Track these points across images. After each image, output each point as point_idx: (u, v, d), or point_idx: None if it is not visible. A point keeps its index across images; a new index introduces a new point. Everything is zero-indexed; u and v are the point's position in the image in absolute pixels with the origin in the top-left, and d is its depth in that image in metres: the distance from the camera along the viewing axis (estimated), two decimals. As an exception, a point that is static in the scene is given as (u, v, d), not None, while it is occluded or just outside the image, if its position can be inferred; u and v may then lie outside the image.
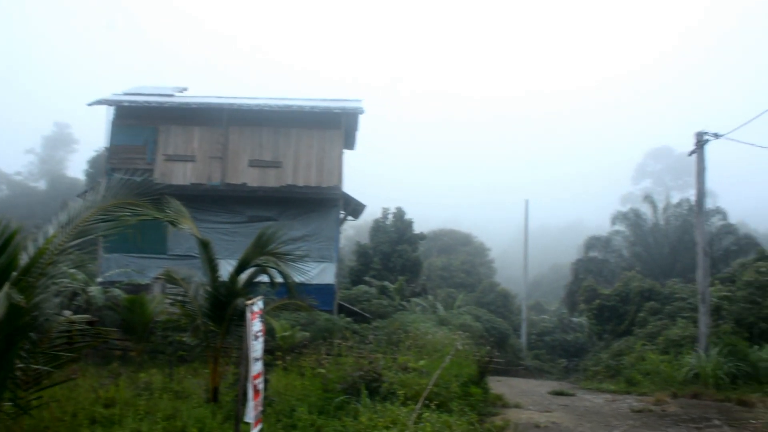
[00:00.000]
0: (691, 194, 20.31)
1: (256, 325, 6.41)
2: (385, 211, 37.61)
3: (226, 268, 10.39)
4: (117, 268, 20.26)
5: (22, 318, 5.85)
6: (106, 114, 23.08)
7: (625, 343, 25.16)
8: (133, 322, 15.21)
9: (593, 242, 40.49)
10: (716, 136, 18.63)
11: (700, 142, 18.89)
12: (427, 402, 9.65)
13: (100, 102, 22.80)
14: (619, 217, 41.18)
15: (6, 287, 5.37)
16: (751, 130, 18.03)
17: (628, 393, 16.47)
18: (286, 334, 15.64)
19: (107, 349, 15.54)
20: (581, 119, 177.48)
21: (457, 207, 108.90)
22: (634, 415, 12.06)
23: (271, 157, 22.92)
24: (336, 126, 23.23)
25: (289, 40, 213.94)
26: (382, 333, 19.41)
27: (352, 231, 65.39)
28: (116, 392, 9.72)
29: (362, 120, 24.62)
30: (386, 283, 30.73)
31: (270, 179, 22.76)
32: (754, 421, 10.39)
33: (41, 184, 68.99)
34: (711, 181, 20.36)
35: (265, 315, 7.70)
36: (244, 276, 10.48)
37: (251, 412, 6.20)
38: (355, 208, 25.71)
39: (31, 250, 6.28)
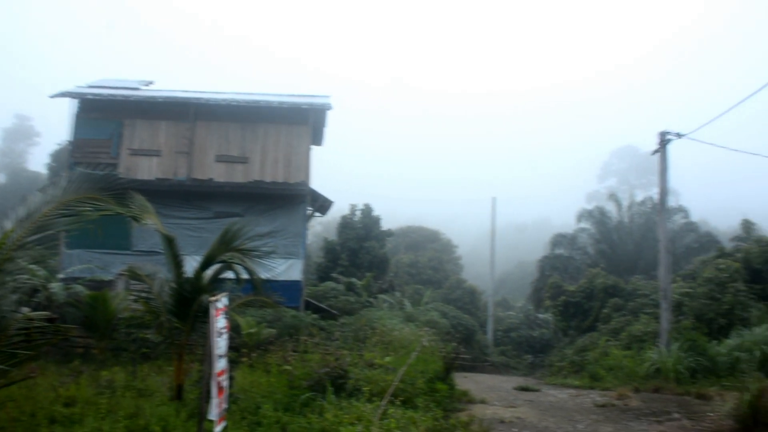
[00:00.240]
0: (655, 193, 20.70)
1: (220, 322, 6.36)
2: (353, 208, 37.55)
3: (192, 265, 10.28)
4: (79, 264, 19.91)
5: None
6: (69, 107, 22.68)
7: (589, 338, 25.50)
8: (96, 319, 14.95)
9: (559, 239, 40.90)
10: (678, 135, 18.98)
11: (663, 141, 19.23)
12: (392, 398, 9.67)
13: (63, 94, 22.34)
14: (584, 215, 41.64)
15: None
16: (713, 131, 18.43)
17: (592, 388, 16.69)
18: (252, 330, 15.52)
19: (69, 346, 15.26)
20: (549, 118, 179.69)
21: (426, 202, 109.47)
22: (597, 409, 12.23)
23: (238, 152, 22.72)
24: (304, 122, 23.11)
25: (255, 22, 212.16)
26: (348, 330, 19.40)
27: (320, 227, 65.19)
28: (77, 391, 9.55)
29: (331, 115, 24.55)
30: (353, 279, 30.68)
31: (237, 175, 22.56)
32: (711, 414, 10.62)
33: (0, 178, 67.43)
34: (674, 180, 20.76)
35: (230, 312, 7.63)
36: (209, 272, 10.37)
37: (215, 410, 6.15)
38: (322, 205, 25.64)
39: (-12, 245, 6.14)
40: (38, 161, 63.33)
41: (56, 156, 42.06)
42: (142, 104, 22.83)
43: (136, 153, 22.46)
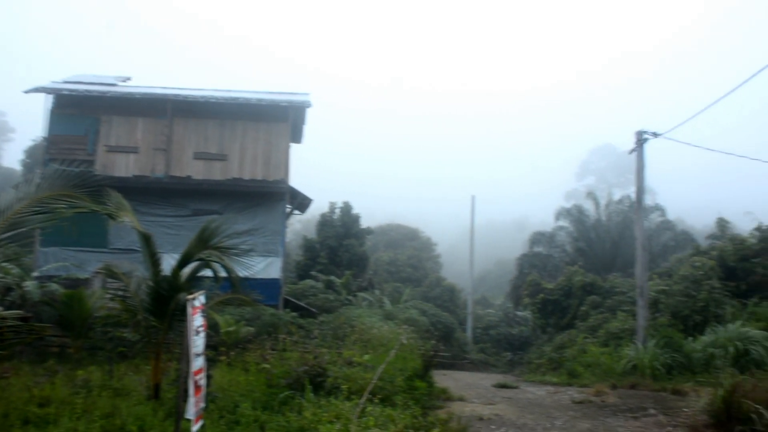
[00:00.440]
0: (632, 191, 20.90)
1: (197, 321, 6.31)
2: (332, 206, 37.47)
3: (169, 263, 10.19)
4: (55, 262, 19.67)
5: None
6: (44, 102, 22.35)
7: (567, 336, 25.70)
8: (72, 317, 14.78)
9: (538, 238, 41.14)
10: (655, 135, 19.21)
11: (640, 140, 19.44)
12: (371, 396, 9.67)
13: (37, 89, 22.03)
14: (562, 213, 41.88)
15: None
16: (689, 131, 18.68)
17: (570, 385, 16.83)
18: (231, 329, 15.45)
19: (44, 346, 15.07)
20: (530, 118, 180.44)
21: (406, 200, 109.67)
22: (575, 406, 12.34)
23: (216, 149, 22.57)
24: (283, 119, 23.00)
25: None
26: (327, 328, 19.37)
27: (299, 225, 65.02)
28: (52, 391, 9.42)
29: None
30: (333, 277, 30.65)
31: (215, 172, 22.42)
32: (686, 409, 10.75)
33: (-26, 174, 66.34)
34: (651, 179, 21.06)
35: (208, 310, 7.58)
36: (187, 270, 10.28)
37: (192, 409, 6.11)
38: (301, 202, 25.57)
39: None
40: (12, 157, 62.46)
41: (31, 152, 41.46)
42: (119, 100, 22.58)
43: (112, 150, 22.22)
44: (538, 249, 40.61)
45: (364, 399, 9.41)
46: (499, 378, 19.71)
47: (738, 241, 24.28)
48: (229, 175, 22.39)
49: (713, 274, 21.73)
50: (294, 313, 21.44)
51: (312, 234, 38.75)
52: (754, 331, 16.09)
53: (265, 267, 21.47)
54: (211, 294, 10.74)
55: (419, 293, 38.30)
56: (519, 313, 37.82)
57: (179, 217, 22.03)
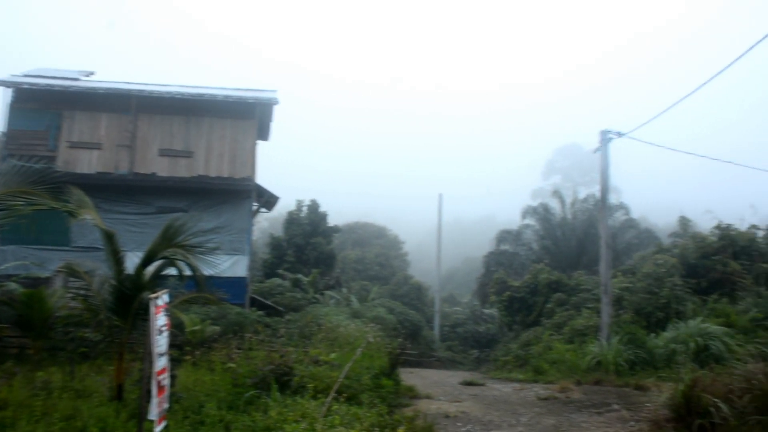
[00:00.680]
0: (597, 190, 21.20)
1: (160, 320, 6.21)
2: (300, 204, 37.31)
3: (133, 261, 10.01)
4: (14, 261, 19.18)
5: None
6: (3, 96, 21.82)
7: (533, 333, 25.95)
8: (31, 317, 14.41)
9: (504, 236, 41.47)
10: (619, 134, 19.51)
11: (605, 140, 19.72)
12: (337, 395, 9.64)
13: (-5, 83, 21.51)
14: (529, 212, 42.29)
15: None
16: (653, 130, 19.01)
17: (536, 381, 17.02)
18: (196, 328, 15.27)
19: (2, 347, 14.70)
20: (498, 118, 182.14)
21: (373, 197, 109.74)
22: (540, 402, 12.47)
23: (182, 146, 22.28)
24: (250, 116, 22.80)
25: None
26: (294, 326, 19.28)
27: (266, 223, 64.57)
28: (9, 393, 9.17)
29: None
30: (300, 276, 30.54)
31: (181, 169, 22.12)
32: (649, 404, 10.93)
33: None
34: (615, 178, 21.39)
35: (172, 309, 7.48)
36: (151, 269, 10.13)
37: (155, 410, 6.02)
38: (268, 200, 25.36)
39: None
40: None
41: (-10, 148, 40.46)
42: (81, 95, 22.12)
43: (75, 146, 21.78)
44: (505, 247, 40.94)
45: (330, 398, 9.39)
46: (466, 375, 19.83)
47: (699, 239, 24.83)
48: (194, 172, 22.12)
49: (675, 271, 22.17)
50: (260, 312, 21.29)
51: (279, 232, 38.53)
52: (713, 327, 16.46)
53: (231, 265, 21.27)
54: (176, 293, 10.60)
55: (387, 291, 38.34)
56: (486, 310, 38.05)
57: (144, 215, 21.69)
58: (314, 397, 9.43)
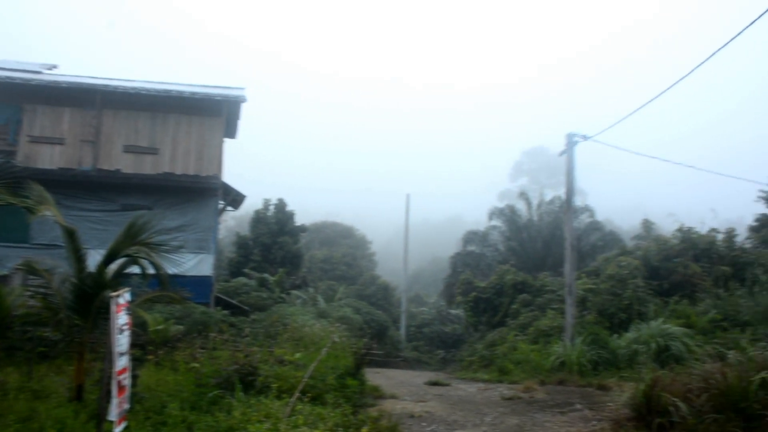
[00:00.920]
0: (563, 192, 21.45)
1: (121, 318, 6.11)
2: (267, 202, 37.08)
3: (96, 259, 9.84)
4: (-29, 258, 18.73)
5: None
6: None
7: (498, 333, 26.09)
8: (-12, 316, 14.08)
9: (471, 236, 41.66)
10: (585, 138, 19.74)
11: (570, 143, 19.95)
12: (302, 395, 9.60)
13: (-47, 75, 20.94)
14: (496, 213, 42.53)
15: None
16: (622, 133, 19.26)
17: (501, 381, 17.14)
18: (160, 327, 15.03)
19: (-44, 346, 14.31)
20: (467, 117, 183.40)
21: (341, 194, 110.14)
22: (505, 402, 12.57)
23: (147, 143, 21.94)
24: (217, 113, 22.57)
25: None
26: (260, 326, 19.14)
27: (233, 222, 64.02)
28: (-36, 394, 8.97)
29: (249, 107, 24.07)
30: (266, 275, 30.33)
31: (146, 166, 21.79)
32: (611, 404, 11.08)
33: None
34: (581, 181, 21.67)
35: (135, 308, 7.35)
36: (113, 267, 9.97)
37: (115, 410, 5.91)
38: (235, 198, 25.15)
39: None
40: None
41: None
42: (43, 89, 21.63)
43: (36, 140, 21.30)
44: (472, 248, 41.14)
45: (294, 398, 9.34)
46: (432, 376, 19.89)
47: (661, 242, 25.27)
48: (160, 169, 21.81)
49: (638, 273, 22.53)
50: (226, 312, 21.11)
51: (246, 231, 38.23)
52: (674, 328, 16.77)
53: (196, 264, 21.03)
54: (139, 291, 10.45)
55: (353, 291, 38.31)
56: (452, 311, 38.23)
57: (107, 212, 21.33)
58: (278, 397, 9.38)
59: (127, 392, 6.24)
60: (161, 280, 10.01)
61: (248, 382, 10.22)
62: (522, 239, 40.64)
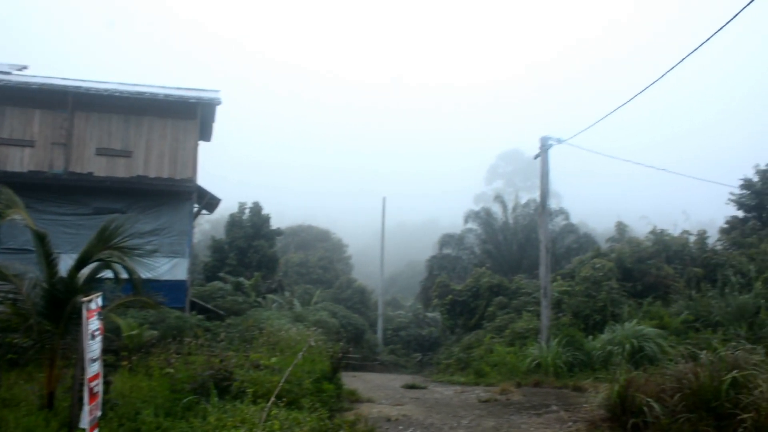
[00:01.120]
0: (539, 195, 21.61)
1: (93, 324, 6.01)
2: (242, 206, 36.87)
3: (69, 263, 9.67)
4: (-62, 263, 18.30)
5: None
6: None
7: (475, 336, 26.17)
8: (-45, 322, 13.79)
9: (447, 240, 41.80)
10: (559, 141, 19.90)
11: (545, 146, 20.10)
12: (278, 400, 9.53)
13: None
14: (471, 216, 42.77)
15: None
16: (599, 137, 19.48)
17: (477, 384, 17.19)
18: (133, 332, 14.85)
19: None
20: (442, 118, 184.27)
21: (319, 195, 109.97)
22: (481, 404, 12.61)
23: (120, 145, 21.66)
24: (192, 116, 22.35)
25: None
26: (235, 330, 19.01)
27: (208, 225, 63.60)
28: (-72, 403, 8.75)
29: (220, 110, 23.84)
30: (242, 279, 30.14)
31: (119, 169, 21.50)
32: (586, 405, 11.16)
33: None
34: (556, 184, 21.86)
35: (108, 313, 7.24)
36: (85, 271, 9.80)
37: (86, 418, 5.81)
38: (209, 202, 24.92)
39: None
40: None
41: None
42: (12, 90, 21.22)
43: (5, 143, 20.90)
44: (448, 251, 41.28)
45: (270, 403, 9.26)
46: (409, 379, 19.91)
47: (635, 244, 25.57)
48: (133, 172, 21.54)
49: (612, 275, 22.77)
50: (201, 316, 20.92)
51: (221, 235, 37.99)
52: (648, 329, 16.95)
53: (170, 268, 20.79)
54: (113, 296, 10.30)
55: (330, 295, 38.24)
56: (429, 314, 38.33)
57: (79, 216, 21.00)
58: (254, 402, 9.29)
59: (99, 399, 6.13)
60: (135, 284, 9.88)
61: (223, 387, 10.12)
62: (498, 242, 40.89)
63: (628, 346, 16.15)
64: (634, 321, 17.97)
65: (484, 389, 15.24)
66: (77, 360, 6.05)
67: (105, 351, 8.46)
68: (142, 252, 9.94)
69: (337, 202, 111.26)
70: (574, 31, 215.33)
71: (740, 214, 29.29)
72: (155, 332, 16.03)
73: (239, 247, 34.23)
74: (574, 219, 42.57)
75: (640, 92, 15.89)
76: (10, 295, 9.99)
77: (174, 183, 21.74)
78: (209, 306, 24.30)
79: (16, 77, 22.39)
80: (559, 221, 40.13)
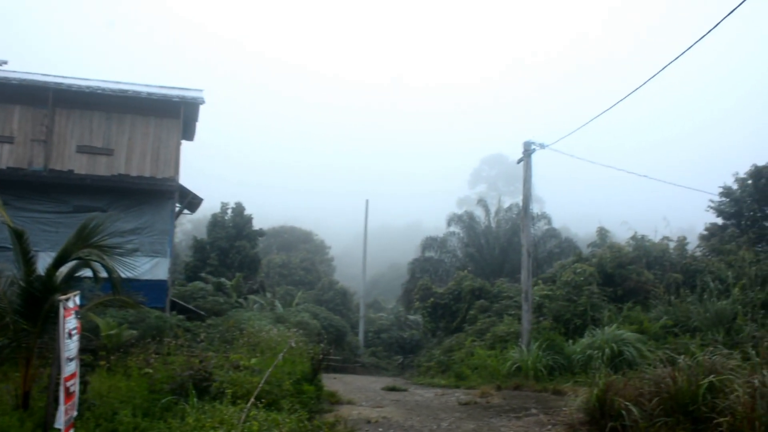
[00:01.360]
0: (521, 200, 21.71)
1: (70, 323, 5.93)
2: (224, 206, 36.70)
3: (48, 262, 9.55)
4: None
5: None
6: None
7: (456, 339, 26.21)
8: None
9: (430, 242, 41.84)
10: (542, 146, 19.99)
11: (528, 151, 20.18)
12: (257, 401, 9.48)
13: None
14: (454, 219, 42.86)
15: None
16: (583, 142, 19.63)
17: (458, 387, 17.22)
18: (112, 332, 14.71)
19: None
20: (426, 118, 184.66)
21: (304, 195, 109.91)
22: (461, 407, 12.62)
23: (102, 143, 21.47)
24: (175, 115, 22.20)
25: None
26: (216, 331, 18.89)
27: (190, 225, 63.23)
28: None
29: (203, 109, 23.70)
30: (223, 279, 29.99)
31: (100, 167, 21.31)
32: (565, 408, 11.20)
33: None
34: (539, 189, 22.02)
35: (86, 312, 7.15)
36: (64, 270, 9.69)
37: (62, 418, 5.73)
38: (191, 201, 24.77)
39: None
40: None
41: None
42: (-8, 86, 21.03)
43: (-16, 139, 20.69)
44: (430, 254, 41.34)
45: (249, 403, 9.21)
46: (389, 381, 19.89)
47: (616, 250, 25.72)
48: (114, 170, 21.36)
49: (593, 279, 22.91)
50: (181, 316, 20.78)
51: (203, 234, 37.77)
52: (627, 334, 17.05)
53: (151, 268, 20.64)
54: (92, 295, 10.20)
55: (312, 296, 38.17)
56: (410, 316, 38.33)
57: (59, 214, 20.79)
58: (233, 403, 9.23)
59: (75, 399, 6.06)
60: (114, 283, 9.78)
61: (203, 387, 10.06)
62: (480, 246, 41.00)
63: (607, 351, 16.24)
64: (614, 325, 18.08)
65: (465, 392, 15.27)
66: (53, 359, 5.97)
67: (83, 350, 8.37)
68: (122, 251, 9.85)
69: (322, 202, 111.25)
70: (566, 31, 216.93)
71: (719, 221, 29.58)
72: (134, 332, 15.89)
73: (221, 247, 34.05)
74: (557, 224, 42.85)
75: (624, 98, 16.04)
76: (-14, 293, 9.86)
77: (156, 182, 21.59)
78: (190, 306, 24.14)
79: (-4, 72, 22.14)
80: (542, 226, 40.34)
